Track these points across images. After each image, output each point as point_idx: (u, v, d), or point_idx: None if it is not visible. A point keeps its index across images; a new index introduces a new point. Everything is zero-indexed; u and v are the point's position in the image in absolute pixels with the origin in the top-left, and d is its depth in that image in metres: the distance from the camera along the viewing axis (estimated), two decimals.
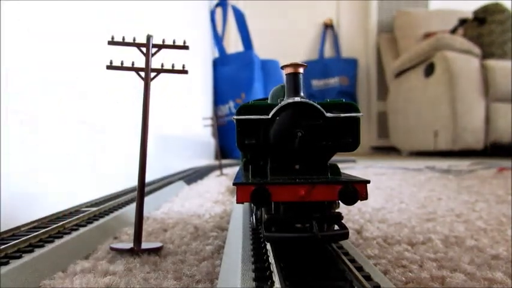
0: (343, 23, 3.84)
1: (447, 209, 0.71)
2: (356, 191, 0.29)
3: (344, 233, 0.29)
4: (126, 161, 0.89)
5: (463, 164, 1.94)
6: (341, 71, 3.67)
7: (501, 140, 2.54)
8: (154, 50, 0.46)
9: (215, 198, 0.88)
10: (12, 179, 0.51)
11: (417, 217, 0.64)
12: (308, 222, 0.29)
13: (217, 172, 1.54)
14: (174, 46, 0.47)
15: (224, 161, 1.85)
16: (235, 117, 0.33)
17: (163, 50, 0.47)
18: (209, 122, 1.70)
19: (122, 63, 0.46)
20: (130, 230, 0.53)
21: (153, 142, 0.69)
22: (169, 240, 0.50)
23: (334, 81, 3.67)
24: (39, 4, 0.62)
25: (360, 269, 0.29)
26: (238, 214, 0.52)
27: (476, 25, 2.91)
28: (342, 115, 0.33)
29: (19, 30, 0.57)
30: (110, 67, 0.46)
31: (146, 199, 0.49)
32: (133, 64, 0.46)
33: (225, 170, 1.62)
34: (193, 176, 1.29)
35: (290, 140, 0.32)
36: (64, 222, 0.48)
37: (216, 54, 3.06)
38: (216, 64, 2.93)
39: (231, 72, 2.84)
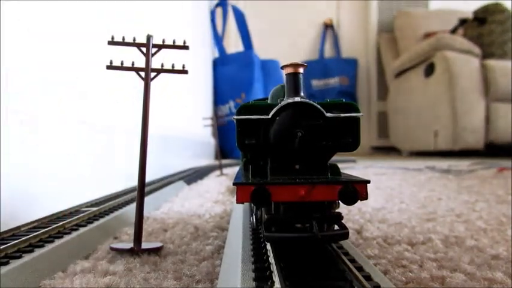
0: (343, 23, 3.84)
1: (447, 209, 0.71)
2: (356, 191, 0.29)
3: (344, 233, 0.29)
4: (126, 161, 0.89)
5: (463, 164, 1.94)
6: (341, 71, 3.67)
7: (497, 140, 2.54)
8: (154, 50, 0.46)
9: (215, 198, 0.88)
10: (12, 179, 0.51)
11: (417, 217, 0.64)
12: (308, 222, 0.29)
13: (217, 172, 1.54)
14: (174, 46, 0.47)
15: (224, 161, 1.85)
16: (235, 117, 0.33)
17: (163, 50, 0.47)
18: (209, 122, 1.70)
19: (122, 63, 0.46)
20: (131, 230, 0.53)
21: (153, 142, 0.69)
22: (170, 240, 0.50)
23: (334, 81, 3.67)
24: (39, 4, 0.62)
25: (360, 269, 0.29)
26: (238, 214, 0.52)
27: (476, 25, 2.91)
28: (342, 115, 0.33)
29: (19, 30, 0.57)
30: (110, 67, 0.46)
31: (146, 199, 0.49)
32: (133, 64, 0.46)
33: (225, 170, 1.62)
34: (193, 176, 1.29)
35: (290, 140, 0.32)
36: (64, 222, 0.48)
37: (216, 54, 3.06)
38: (216, 64, 2.93)
39: (231, 72, 2.83)
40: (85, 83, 0.77)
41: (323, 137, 0.32)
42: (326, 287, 0.26)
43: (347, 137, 0.33)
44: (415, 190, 0.99)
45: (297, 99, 0.33)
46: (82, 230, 0.48)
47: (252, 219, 0.39)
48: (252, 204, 0.36)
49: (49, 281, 0.35)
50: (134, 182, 0.46)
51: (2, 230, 0.43)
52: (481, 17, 2.91)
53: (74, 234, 0.45)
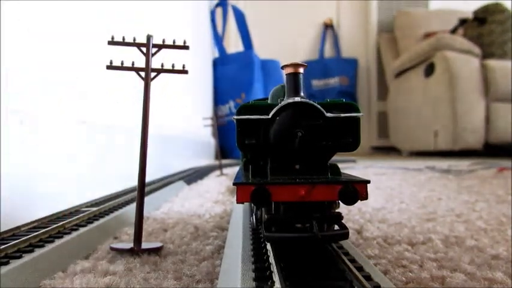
0: (343, 23, 3.84)
1: (447, 209, 0.71)
2: (356, 191, 0.29)
3: (344, 233, 0.29)
4: (126, 161, 0.89)
5: (463, 164, 1.94)
6: (341, 71, 3.67)
7: (496, 140, 2.54)
8: (154, 50, 0.46)
9: (215, 198, 0.88)
10: (12, 179, 0.51)
11: (417, 217, 0.64)
12: (308, 222, 0.29)
13: (217, 172, 1.54)
14: (174, 46, 0.47)
15: (224, 161, 1.85)
16: (235, 117, 0.33)
17: (163, 50, 0.47)
18: (209, 122, 1.70)
19: (122, 63, 0.46)
20: (131, 230, 0.53)
21: (153, 142, 0.69)
22: (170, 240, 0.50)
23: (334, 81, 3.67)
24: (39, 4, 0.62)
25: (360, 269, 0.29)
26: (239, 214, 0.52)
27: (476, 25, 2.91)
28: (342, 115, 0.33)
29: (19, 30, 0.57)
30: (110, 67, 0.46)
31: (146, 199, 0.49)
32: (133, 64, 0.46)
33: (225, 170, 1.62)
34: (193, 176, 1.29)
35: (290, 140, 0.32)
36: (64, 222, 0.48)
37: (216, 54, 3.06)
38: (216, 64, 2.93)
39: (231, 72, 2.83)
40: (85, 83, 0.77)
41: (323, 137, 0.32)
42: (326, 287, 0.26)
43: (347, 137, 0.33)
44: (415, 190, 0.99)
45: (297, 99, 0.33)
46: (82, 230, 0.48)
47: (252, 219, 0.39)
48: (252, 204, 0.36)
49: (49, 281, 0.35)
50: (134, 182, 0.46)
51: (2, 230, 0.43)
52: (481, 17, 2.91)
53: (74, 234, 0.45)
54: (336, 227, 0.31)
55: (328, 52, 3.82)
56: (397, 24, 3.48)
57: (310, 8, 3.74)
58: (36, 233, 0.42)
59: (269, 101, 0.38)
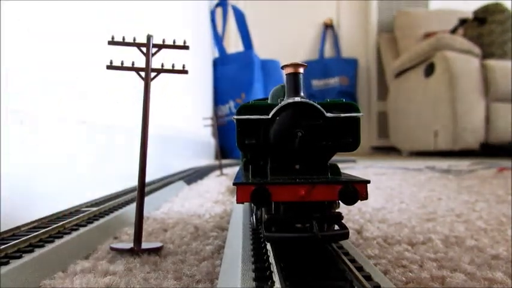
0: (343, 23, 3.85)
1: (447, 209, 0.71)
2: (356, 191, 0.29)
3: (344, 233, 0.29)
4: (126, 161, 0.89)
5: (463, 164, 1.94)
6: (341, 71, 3.67)
7: (496, 140, 2.54)
8: (154, 50, 0.46)
9: (215, 198, 0.88)
10: (12, 179, 0.51)
11: (417, 217, 0.64)
12: (308, 222, 0.29)
13: (218, 172, 1.54)
14: (174, 46, 0.47)
15: (224, 161, 1.85)
16: (235, 117, 0.33)
17: (163, 50, 0.47)
18: (209, 122, 1.70)
19: (122, 63, 0.46)
20: (131, 230, 0.53)
21: (153, 142, 0.69)
22: (170, 240, 0.50)
23: (334, 81, 3.67)
24: (39, 4, 0.62)
25: (360, 269, 0.29)
26: (239, 214, 0.52)
27: (476, 25, 2.91)
28: (342, 115, 0.33)
29: (19, 30, 0.57)
30: (110, 67, 0.46)
31: (146, 199, 0.49)
32: (133, 64, 0.46)
33: (225, 170, 1.62)
34: (193, 176, 1.29)
35: (290, 140, 0.32)
36: (64, 222, 0.48)
37: (216, 54, 3.06)
38: (216, 64, 2.93)
39: (231, 72, 2.84)
40: (85, 83, 0.77)
41: (323, 137, 0.32)
42: (326, 287, 0.26)
43: (347, 137, 0.33)
44: (415, 190, 0.99)
45: (297, 99, 0.33)
46: (82, 230, 0.48)
47: (252, 219, 0.39)
48: (252, 204, 0.36)
49: (49, 281, 0.35)
50: (134, 182, 0.46)
51: (2, 230, 0.43)
52: (481, 17, 2.91)
53: (74, 234, 0.45)
54: (336, 227, 0.31)
55: (328, 52, 3.82)
56: (397, 24, 3.49)
57: (310, 8, 3.74)
58: (36, 233, 0.42)
59: (269, 101, 0.38)
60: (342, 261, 0.29)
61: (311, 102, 0.33)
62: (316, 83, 3.68)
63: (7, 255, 0.36)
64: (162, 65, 0.47)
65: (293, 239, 0.28)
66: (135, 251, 0.43)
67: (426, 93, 2.84)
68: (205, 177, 1.39)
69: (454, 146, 2.58)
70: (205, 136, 2.27)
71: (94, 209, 0.58)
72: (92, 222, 0.52)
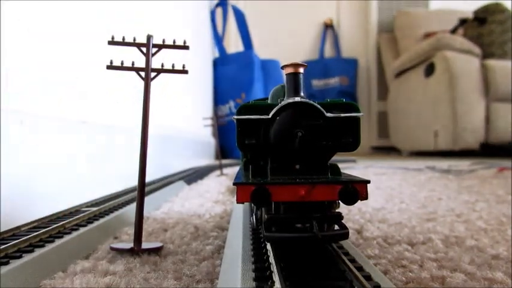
0: (343, 23, 3.85)
1: (447, 209, 0.71)
2: (356, 191, 0.29)
3: (344, 233, 0.29)
4: (126, 161, 0.89)
5: (463, 164, 1.94)
6: (341, 71, 3.67)
7: (496, 140, 2.54)
8: (154, 50, 0.46)
9: (215, 198, 0.88)
10: (12, 178, 0.51)
11: (417, 217, 0.64)
12: (308, 222, 0.29)
13: (218, 172, 1.54)
14: (174, 46, 0.47)
15: (224, 161, 1.85)
16: (235, 117, 0.33)
17: (163, 50, 0.47)
18: (209, 122, 1.70)
19: (122, 63, 0.46)
20: (131, 230, 0.53)
21: (153, 142, 0.69)
22: (170, 240, 0.50)
23: (334, 81, 3.67)
24: (39, 4, 0.62)
25: (360, 269, 0.29)
26: (239, 214, 0.52)
27: (476, 25, 2.91)
28: (342, 115, 0.33)
29: (19, 30, 0.57)
30: (110, 67, 0.46)
31: (146, 199, 0.49)
32: (133, 64, 0.46)
33: (225, 170, 1.62)
34: (193, 176, 1.29)
35: (290, 140, 0.32)
36: (64, 222, 0.48)
37: (216, 54, 3.06)
38: (216, 64, 2.93)
39: (231, 72, 2.84)
40: (85, 83, 0.77)
41: (323, 137, 0.32)
42: (326, 287, 0.26)
43: (347, 137, 0.33)
44: (415, 190, 0.99)
45: (297, 99, 0.33)
46: (82, 230, 0.48)
47: (252, 219, 0.39)
48: (252, 204, 0.36)
49: (49, 281, 0.35)
50: (134, 182, 0.46)
51: (2, 230, 0.43)
52: (481, 17, 2.91)
53: (74, 234, 0.45)
54: (336, 227, 0.31)
55: (328, 52, 3.82)
56: (397, 24, 3.49)
57: (310, 8, 3.74)
58: (37, 232, 0.42)
59: (269, 101, 0.38)
60: (342, 261, 0.29)
61: (311, 102, 0.33)
62: (316, 83, 3.68)
63: (7, 255, 0.36)
64: (162, 65, 0.47)
65: (293, 239, 0.28)
66: (135, 251, 0.43)
67: (426, 93, 2.84)
68: (205, 177, 1.39)
69: (454, 146, 2.58)
70: (205, 136, 2.27)
71: (94, 209, 0.58)
72: (92, 222, 0.52)
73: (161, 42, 0.47)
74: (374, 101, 3.78)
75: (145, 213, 0.57)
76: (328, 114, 0.33)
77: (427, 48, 2.79)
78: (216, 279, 0.36)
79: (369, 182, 0.29)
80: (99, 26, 0.81)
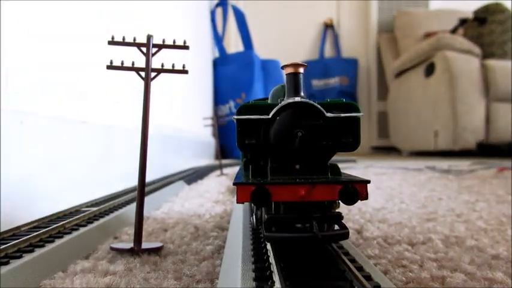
0: (343, 23, 3.85)
1: (447, 209, 0.71)
2: (356, 191, 0.29)
3: (344, 233, 0.29)
4: (126, 161, 0.89)
5: (463, 164, 1.94)
6: (341, 71, 3.67)
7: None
8: (154, 50, 0.46)
9: (215, 198, 0.88)
10: (12, 178, 0.51)
11: (417, 217, 0.64)
12: (308, 222, 0.29)
13: (218, 172, 1.54)
14: (174, 46, 0.47)
15: (224, 161, 1.85)
16: (235, 117, 0.33)
17: (163, 50, 0.47)
18: (209, 122, 1.70)
19: (122, 63, 0.46)
20: (131, 230, 0.53)
21: (153, 142, 0.69)
22: (170, 240, 0.50)
23: (334, 81, 3.67)
24: (39, 4, 0.62)
25: (360, 268, 0.29)
26: (239, 214, 0.52)
27: (476, 25, 2.91)
28: (342, 115, 0.33)
29: (19, 30, 0.57)
30: (110, 67, 0.46)
31: (146, 199, 0.49)
32: (133, 64, 0.46)
33: (225, 170, 1.62)
34: (193, 175, 1.29)
35: (290, 140, 0.32)
36: (64, 222, 0.48)
37: (216, 54, 3.06)
38: (216, 64, 2.93)
39: (231, 72, 2.84)
40: (85, 83, 0.77)
41: (323, 137, 0.32)
42: (326, 287, 0.26)
43: (347, 137, 0.33)
44: (415, 190, 0.99)
45: (297, 99, 0.33)
46: (82, 230, 0.48)
47: (252, 219, 0.39)
48: (252, 204, 0.36)
49: (49, 281, 0.35)
50: (134, 182, 0.46)
51: (2, 230, 0.43)
52: (481, 17, 2.91)
53: (74, 234, 0.45)
54: (336, 227, 0.31)
55: (328, 52, 3.82)
56: (397, 24, 3.49)
57: (310, 8, 3.74)
58: (37, 232, 0.42)
59: (269, 101, 0.38)
60: (342, 261, 0.29)
61: (311, 102, 0.33)
62: (316, 83, 3.68)
63: (7, 255, 0.36)
64: (162, 65, 0.47)
65: (293, 239, 0.28)
66: (135, 251, 0.43)
67: (426, 93, 2.84)
68: (205, 177, 1.39)
69: (454, 146, 2.58)
70: (206, 136, 2.27)
71: (94, 209, 0.58)
72: (92, 222, 0.52)
73: (161, 42, 0.47)
74: (374, 101, 3.78)
75: (146, 213, 0.57)
76: (328, 114, 0.33)
77: (427, 48, 2.79)
78: (216, 279, 0.36)
79: (369, 182, 0.29)
80: (99, 26, 0.81)
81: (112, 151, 0.86)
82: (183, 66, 0.47)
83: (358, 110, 0.33)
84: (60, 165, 0.64)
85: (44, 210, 0.54)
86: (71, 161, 0.68)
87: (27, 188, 0.55)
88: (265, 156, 0.34)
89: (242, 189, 0.29)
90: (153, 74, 0.46)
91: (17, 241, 0.38)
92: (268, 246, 0.31)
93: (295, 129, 0.32)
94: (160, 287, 0.34)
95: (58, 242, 0.42)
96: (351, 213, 0.66)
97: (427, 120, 2.85)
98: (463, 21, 2.99)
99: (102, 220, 0.54)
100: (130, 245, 0.44)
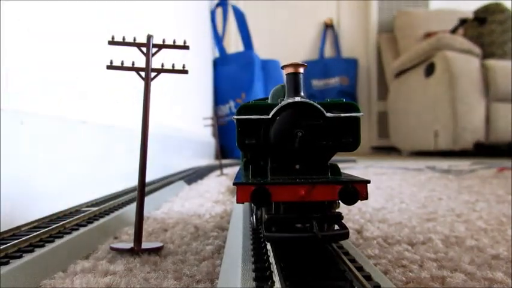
0: (343, 23, 3.85)
1: (447, 209, 0.71)
2: (356, 191, 0.29)
3: (344, 233, 0.29)
4: (126, 161, 0.89)
5: (463, 164, 1.94)
6: (341, 71, 3.67)
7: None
8: (154, 50, 0.46)
9: (215, 198, 0.88)
10: (12, 179, 0.51)
11: (417, 217, 0.64)
12: (308, 222, 0.29)
13: (218, 172, 1.54)
14: (174, 46, 0.47)
15: (224, 161, 1.85)
16: (235, 117, 0.33)
17: (163, 50, 0.47)
18: (209, 122, 1.70)
19: (122, 63, 0.46)
20: (131, 230, 0.53)
21: (153, 142, 0.69)
22: (170, 240, 0.50)
23: (334, 81, 3.67)
24: (39, 4, 0.62)
25: (360, 268, 0.29)
26: (239, 214, 0.52)
27: (476, 25, 2.91)
28: (342, 115, 0.33)
29: (19, 30, 0.57)
30: (110, 67, 0.46)
31: (146, 199, 0.49)
32: (133, 64, 0.46)
33: (225, 170, 1.62)
34: (193, 175, 1.29)
35: (290, 140, 0.32)
36: (64, 222, 0.48)
37: (216, 54, 3.06)
38: (217, 64, 2.93)
39: (231, 72, 2.84)
40: (85, 83, 0.77)
41: (323, 137, 0.32)
42: (326, 287, 0.26)
43: (347, 137, 0.33)
44: (415, 190, 0.99)
45: (297, 99, 0.33)
46: (82, 229, 0.48)
47: (252, 219, 0.39)
48: (252, 204, 0.36)
49: (49, 281, 0.35)
50: (134, 182, 0.46)
51: (2, 230, 0.43)
52: (481, 17, 2.91)
53: (74, 234, 0.45)
54: (336, 227, 0.31)
55: (328, 52, 3.82)
56: (397, 24, 3.49)
57: (310, 8, 3.75)
58: (37, 232, 0.42)
59: (269, 101, 0.38)
60: (342, 261, 0.29)
61: (311, 102, 0.33)
62: (316, 83, 3.68)
63: (7, 255, 0.36)
64: (162, 65, 0.47)
65: (293, 239, 0.28)
66: (135, 251, 0.43)
67: (426, 93, 2.84)
68: (205, 177, 1.39)
69: (454, 146, 2.58)
70: (206, 136, 2.27)
71: (94, 209, 0.58)
72: (92, 222, 0.52)
73: (161, 42, 0.47)
74: (374, 101, 3.78)
75: (146, 213, 0.57)
76: (328, 114, 0.33)
77: (427, 48, 2.79)
78: (216, 279, 0.36)
79: (369, 182, 0.29)
80: (99, 26, 0.81)
81: (112, 151, 0.86)
82: (183, 66, 0.47)
83: (358, 110, 0.33)
84: (60, 165, 0.64)
85: (44, 210, 0.54)
86: (71, 161, 0.68)
87: (27, 188, 0.55)
88: (265, 156, 0.34)
89: (242, 189, 0.29)
90: (153, 74, 0.46)
91: (17, 241, 0.38)
92: (268, 246, 0.31)
93: (295, 129, 0.32)
94: (160, 287, 0.34)
95: (58, 242, 0.42)
96: (351, 213, 0.66)
97: (427, 120, 2.85)
98: (463, 21, 2.99)
99: (102, 220, 0.54)
100: (130, 245, 0.44)
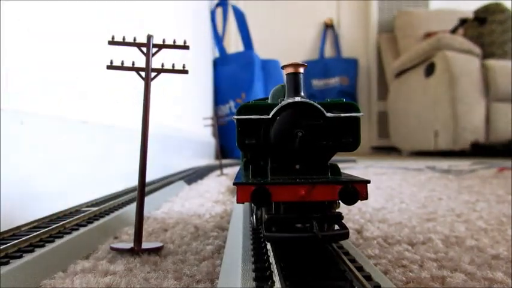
0: (343, 23, 3.85)
1: (447, 209, 0.71)
2: (356, 191, 0.29)
3: (344, 233, 0.29)
4: (126, 161, 0.89)
5: (463, 164, 1.94)
6: (341, 71, 3.68)
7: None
8: (154, 49, 0.46)
9: (215, 198, 0.88)
10: (12, 179, 0.51)
11: (417, 217, 0.64)
12: (308, 222, 0.29)
13: (218, 172, 1.54)
14: (174, 46, 0.47)
15: (224, 161, 1.85)
16: (235, 117, 0.33)
17: (163, 50, 0.47)
18: (209, 122, 1.70)
19: (122, 63, 0.46)
20: (131, 230, 0.53)
21: (153, 142, 0.69)
22: (170, 240, 0.50)
23: (334, 81, 3.67)
24: (39, 4, 0.62)
25: (360, 268, 0.29)
26: (239, 214, 0.52)
27: (476, 25, 2.91)
28: (342, 115, 0.33)
29: (19, 30, 0.57)
30: (110, 67, 0.46)
31: (146, 199, 0.49)
32: (133, 64, 0.46)
33: (226, 170, 1.62)
34: (193, 175, 1.29)
35: (290, 140, 0.32)
36: (64, 222, 0.48)
37: (217, 54, 3.06)
38: (217, 64, 2.93)
39: (231, 72, 2.84)
40: (85, 83, 0.77)
41: (323, 137, 0.32)
42: (326, 287, 0.26)
43: (347, 137, 0.33)
44: (415, 190, 0.98)
45: (297, 99, 0.33)
46: (82, 229, 0.48)
47: (252, 219, 0.39)
48: (252, 204, 0.36)
49: (49, 281, 0.35)
50: (134, 182, 0.46)
51: (2, 230, 0.43)
52: (482, 17, 2.91)
53: (75, 234, 0.45)
54: (336, 227, 0.31)
55: (328, 52, 3.82)
56: (397, 24, 3.49)
57: (310, 8, 3.75)
58: (37, 232, 0.42)
59: (269, 101, 0.38)
60: (342, 261, 0.29)
61: (311, 102, 0.33)
62: (316, 83, 3.68)
63: (7, 255, 0.36)
64: (162, 65, 0.47)
65: (293, 239, 0.28)
66: (136, 250, 0.43)
67: (426, 93, 2.84)
68: (205, 177, 1.39)
69: (454, 146, 2.58)
70: (206, 136, 2.27)
71: (94, 209, 0.58)
72: (92, 222, 0.52)
73: (161, 42, 0.47)
74: (374, 101, 3.78)
75: (146, 213, 0.57)
76: (328, 114, 0.33)
77: (427, 48, 2.79)
78: (216, 279, 0.36)
79: (369, 182, 0.29)
80: (99, 26, 0.81)
81: (112, 151, 0.86)
82: (183, 66, 0.47)
83: (358, 110, 0.34)
84: (60, 165, 0.64)
85: (44, 210, 0.54)
86: (71, 161, 0.68)
87: (27, 188, 0.55)
88: (265, 156, 0.34)
89: (242, 189, 0.29)
90: (153, 74, 0.46)
91: (17, 241, 0.38)
92: (268, 246, 0.31)
93: (295, 129, 0.32)
94: (160, 287, 0.34)
95: (58, 242, 0.42)
96: (351, 213, 0.66)
97: (427, 120, 2.85)
98: (463, 21, 3.00)
99: (102, 220, 0.54)
100: (130, 245, 0.44)
